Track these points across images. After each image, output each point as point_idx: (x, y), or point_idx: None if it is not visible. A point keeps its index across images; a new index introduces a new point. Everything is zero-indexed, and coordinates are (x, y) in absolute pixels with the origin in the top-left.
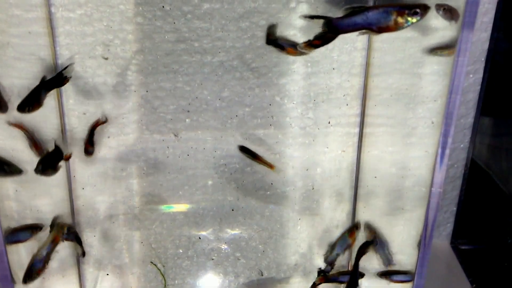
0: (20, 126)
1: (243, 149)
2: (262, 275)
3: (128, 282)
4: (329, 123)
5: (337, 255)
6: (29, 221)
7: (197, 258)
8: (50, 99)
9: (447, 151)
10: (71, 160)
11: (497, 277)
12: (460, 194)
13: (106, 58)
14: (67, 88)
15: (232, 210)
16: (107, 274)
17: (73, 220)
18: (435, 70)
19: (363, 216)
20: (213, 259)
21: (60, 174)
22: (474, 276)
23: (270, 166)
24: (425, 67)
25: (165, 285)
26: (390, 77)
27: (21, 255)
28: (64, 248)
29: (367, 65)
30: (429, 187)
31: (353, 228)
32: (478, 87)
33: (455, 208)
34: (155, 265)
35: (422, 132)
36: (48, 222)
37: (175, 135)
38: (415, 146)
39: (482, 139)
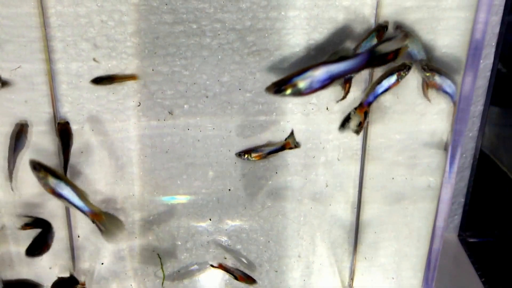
0: None
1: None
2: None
3: (125, 273)
4: (332, 109)
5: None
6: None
7: (196, 251)
8: (42, 85)
9: (462, 139)
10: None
11: (507, 270)
12: (468, 185)
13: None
14: (59, 72)
15: (233, 200)
16: (102, 264)
17: (67, 210)
18: (445, 53)
19: (368, 211)
20: (212, 252)
21: (55, 164)
22: (483, 269)
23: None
24: (435, 50)
25: (163, 279)
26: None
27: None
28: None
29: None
30: (436, 176)
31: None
32: (488, 73)
33: (463, 200)
34: (160, 258)
35: (431, 119)
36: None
37: (170, 113)
38: (424, 134)
39: (491, 129)
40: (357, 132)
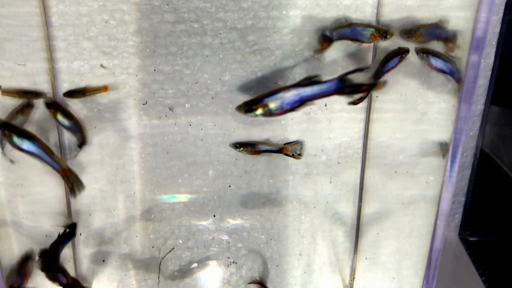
0: None
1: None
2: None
3: (126, 272)
4: (333, 108)
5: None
6: (24, 214)
7: (197, 249)
8: (44, 84)
9: (463, 138)
10: (66, 148)
11: (508, 269)
12: (469, 184)
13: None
14: (61, 71)
15: (234, 198)
16: (103, 261)
17: (69, 209)
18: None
19: (368, 210)
20: (213, 250)
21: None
22: (483, 268)
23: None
24: (437, 50)
25: (158, 277)
26: None
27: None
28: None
29: (375, 47)
30: (436, 175)
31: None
32: (489, 73)
33: (463, 199)
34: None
35: (432, 118)
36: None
37: (170, 110)
38: (425, 133)
39: (491, 128)
40: (354, 103)
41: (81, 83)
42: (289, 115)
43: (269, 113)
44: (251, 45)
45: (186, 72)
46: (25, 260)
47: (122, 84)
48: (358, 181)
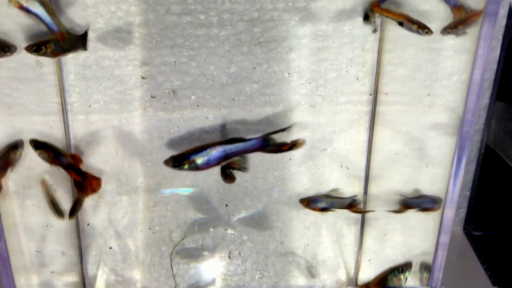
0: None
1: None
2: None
3: (131, 264)
4: (339, 100)
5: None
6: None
7: (202, 241)
8: (50, 75)
9: (471, 130)
10: (72, 142)
11: None
12: (474, 179)
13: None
14: (67, 62)
15: (239, 191)
16: (110, 248)
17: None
18: (451, 44)
19: (374, 201)
20: (218, 242)
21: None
22: (488, 263)
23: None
24: (442, 42)
25: (171, 265)
26: (405, 53)
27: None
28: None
29: (381, 40)
30: (443, 168)
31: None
32: (495, 66)
33: (468, 193)
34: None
35: (438, 111)
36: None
37: (173, 93)
38: (431, 126)
39: (496, 123)
40: (375, 31)
41: (87, 75)
42: (294, 104)
43: (195, 168)
44: (257, 37)
45: (192, 64)
46: (13, 148)
47: (128, 75)
48: (363, 173)
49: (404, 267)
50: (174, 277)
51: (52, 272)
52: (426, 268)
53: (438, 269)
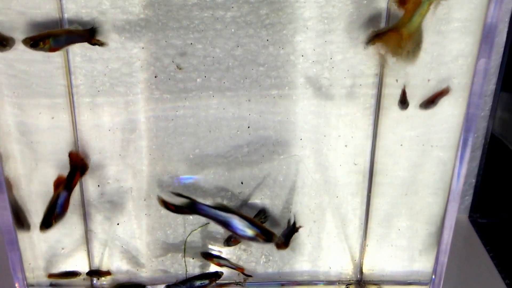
0: None
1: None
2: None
3: (137, 248)
4: (345, 83)
5: None
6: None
7: (207, 227)
8: (57, 57)
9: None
10: (78, 126)
11: None
12: (479, 167)
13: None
14: (73, 45)
15: (245, 175)
16: (118, 224)
17: (81, 187)
18: (457, 27)
19: (379, 188)
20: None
21: (69, 139)
22: (494, 251)
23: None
24: (448, 24)
25: (184, 249)
26: None
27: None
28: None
29: (388, 22)
30: (448, 152)
31: None
32: (501, 49)
33: (474, 180)
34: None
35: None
36: None
37: (178, 68)
38: (436, 112)
39: (501, 112)
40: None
41: (93, 57)
42: (300, 90)
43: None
44: (263, 19)
45: (197, 47)
46: None
47: (134, 58)
48: (369, 158)
49: None
50: (185, 262)
51: (63, 249)
52: None
53: (444, 253)
